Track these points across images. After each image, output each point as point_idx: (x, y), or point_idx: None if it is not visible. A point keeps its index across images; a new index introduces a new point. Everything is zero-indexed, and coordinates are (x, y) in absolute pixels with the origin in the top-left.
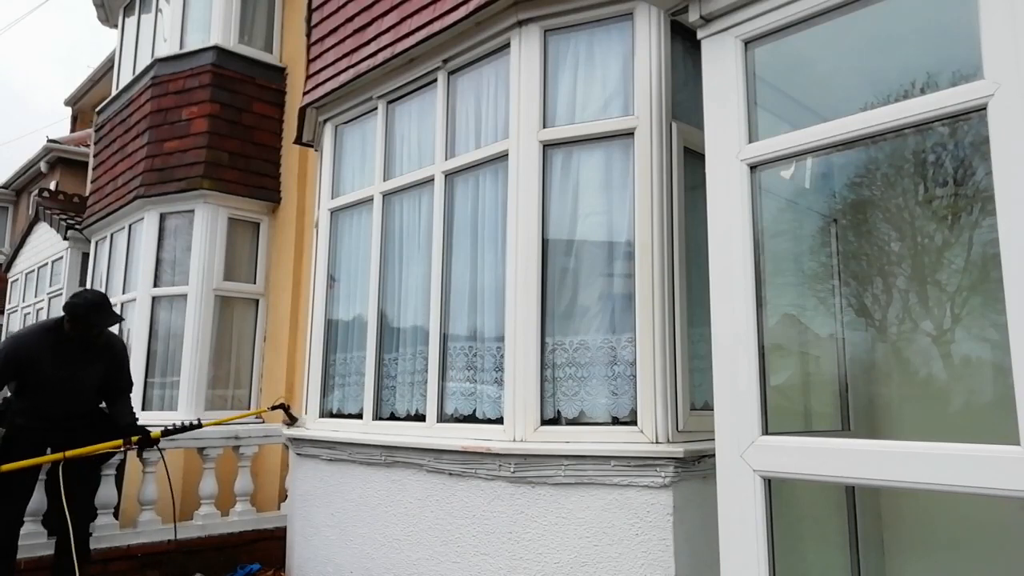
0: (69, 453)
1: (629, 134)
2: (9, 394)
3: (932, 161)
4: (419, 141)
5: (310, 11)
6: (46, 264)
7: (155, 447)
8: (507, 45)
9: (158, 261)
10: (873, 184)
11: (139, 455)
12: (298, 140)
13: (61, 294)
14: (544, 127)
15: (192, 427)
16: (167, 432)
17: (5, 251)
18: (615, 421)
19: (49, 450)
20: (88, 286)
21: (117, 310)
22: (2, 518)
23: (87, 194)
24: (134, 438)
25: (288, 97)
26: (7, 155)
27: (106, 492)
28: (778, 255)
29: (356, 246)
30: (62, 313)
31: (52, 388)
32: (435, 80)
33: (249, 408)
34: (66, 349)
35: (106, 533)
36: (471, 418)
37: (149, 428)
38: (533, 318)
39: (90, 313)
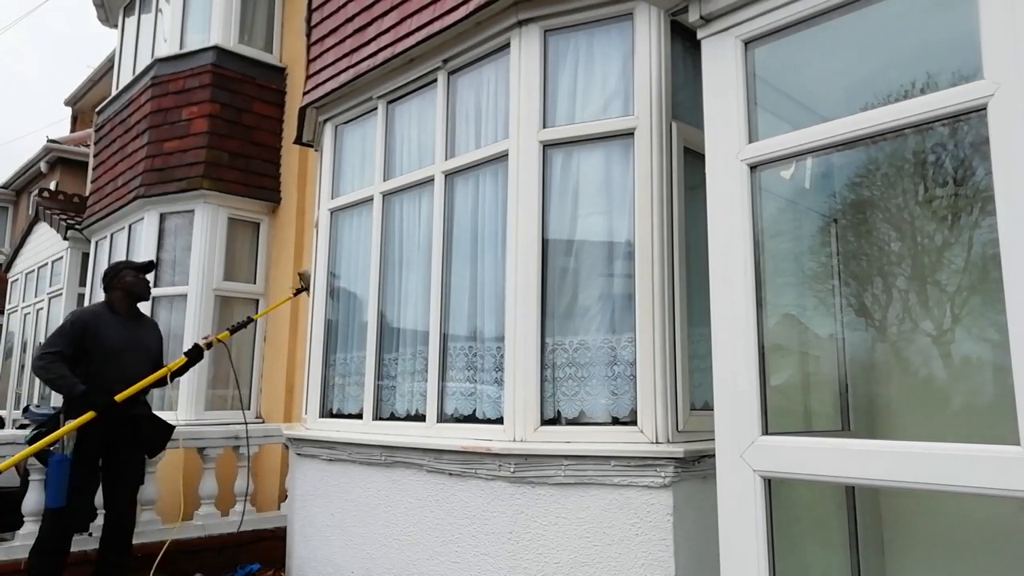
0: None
1: (629, 134)
2: (60, 409)
3: (932, 161)
4: (419, 141)
5: (310, 11)
6: (46, 264)
7: (226, 344)
8: (507, 45)
9: (158, 261)
10: (873, 184)
11: (210, 346)
12: (298, 140)
13: (61, 294)
14: (544, 127)
15: (250, 320)
16: (233, 329)
17: (5, 251)
18: (615, 421)
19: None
20: (88, 286)
21: None
22: (62, 518)
23: (87, 194)
24: (207, 341)
25: (288, 97)
26: (7, 155)
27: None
28: (778, 255)
29: (356, 246)
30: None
31: (121, 354)
32: (435, 80)
33: (250, 408)
34: (121, 320)
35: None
36: (471, 418)
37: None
38: (533, 318)
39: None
